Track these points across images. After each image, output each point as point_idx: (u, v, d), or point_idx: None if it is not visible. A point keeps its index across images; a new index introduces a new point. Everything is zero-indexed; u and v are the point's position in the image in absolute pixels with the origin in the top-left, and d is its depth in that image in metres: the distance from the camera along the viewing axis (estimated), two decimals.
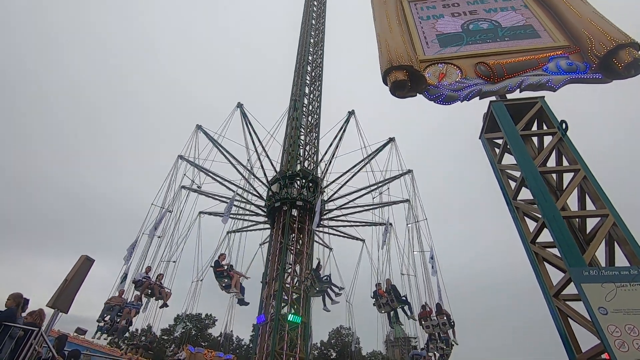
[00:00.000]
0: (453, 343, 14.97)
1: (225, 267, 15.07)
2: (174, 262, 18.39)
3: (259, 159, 22.64)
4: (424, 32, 9.33)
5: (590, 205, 6.38)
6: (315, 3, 30.48)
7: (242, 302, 16.07)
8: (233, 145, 23.04)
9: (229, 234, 23.66)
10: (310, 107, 25.77)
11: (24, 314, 6.09)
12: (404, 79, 7.88)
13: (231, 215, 21.86)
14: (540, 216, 6.21)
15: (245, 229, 24.43)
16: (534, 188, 6.32)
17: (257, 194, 22.83)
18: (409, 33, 9.26)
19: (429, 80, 7.97)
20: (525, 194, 6.94)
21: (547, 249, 6.15)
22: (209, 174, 22.07)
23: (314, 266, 16.26)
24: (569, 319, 5.38)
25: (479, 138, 8.10)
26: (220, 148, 22.35)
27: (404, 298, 15.08)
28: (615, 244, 5.76)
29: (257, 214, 23.38)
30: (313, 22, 29.55)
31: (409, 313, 14.94)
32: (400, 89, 7.99)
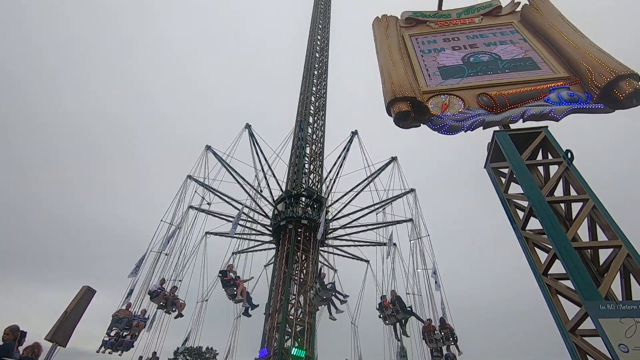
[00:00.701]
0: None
1: (233, 277, 15.55)
2: (180, 281, 18.70)
3: (265, 178, 22.81)
4: (426, 65, 9.59)
5: (601, 235, 6.26)
6: (319, 37, 31.65)
7: (247, 311, 16.34)
8: (239, 164, 23.56)
9: (234, 255, 23.54)
10: (314, 137, 26.13)
11: (21, 348, 5.91)
12: (408, 110, 8.01)
13: (237, 236, 21.97)
14: (551, 247, 6.08)
15: (251, 249, 24.31)
16: (543, 218, 6.23)
17: (263, 213, 22.88)
18: (411, 65, 9.52)
19: (432, 111, 8.09)
20: (533, 223, 6.84)
21: (560, 281, 5.97)
22: (217, 193, 22.25)
23: (319, 274, 15.99)
24: (588, 356, 5.13)
25: (484, 167, 8.10)
26: (228, 168, 22.71)
27: (409, 309, 15.03)
28: (631, 275, 5.59)
29: (263, 233, 23.32)
30: (317, 55, 30.56)
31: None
32: (403, 120, 8.10)
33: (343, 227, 22.88)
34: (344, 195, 22.92)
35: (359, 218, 22.70)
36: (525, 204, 6.97)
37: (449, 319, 15.67)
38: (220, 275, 15.80)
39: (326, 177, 23.79)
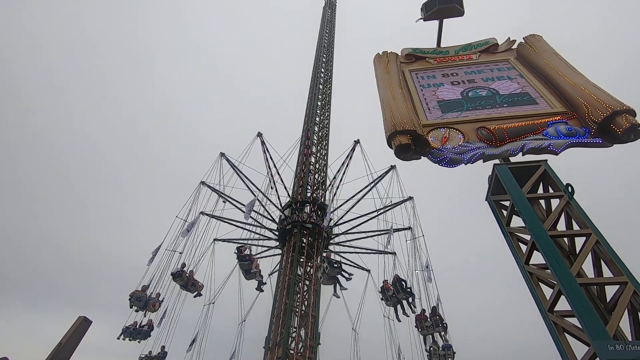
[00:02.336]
0: (454, 351, 16.26)
1: (248, 253, 18.18)
2: (213, 304, 21.18)
3: (275, 186, 23.60)
4: (426, 99, 9.85)
5: (607, 271, 6.16)
6: (323, 70, 32.70)
7: (260, 286, 19.23)
8: (247, 171, 24.64)
9: (270, 276, 23.96)
10: (317, 165, 26.39)
11: None
12: (408, 143, 8.14)
13: (244, 242, 22.80)
14: (555, 282, 5.98)
15: (258, 256, 24.12)
16: (546, 252, 6.17)
17: (270, 218, 23.56)
18: (412, 99, 9.77)
19: (433, 144, 8.22)
20: (537, 257, 6.77)
21: (566, 319, 5.82)
22: (229, 199, 23.24)
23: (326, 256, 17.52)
24: None
25: (485, 199, 8.12)
26: (240, 175, 23.81)
27: (408, 289, 16.01)
28: (639, 314, 5.45)
29: (270, 238, 23.90)
30: (320, 86, 31.46)
31: (411, 307, 16.08)
32: (404, 152, 8.22)
33: (345, 232, 23.53)
34: (345, 202, 23.73)
35: (361, 224, 23.38)
36: (527, 237, 6.92)
37: (441, 310, 17.19)
38: (237, 252, 18.14)
39: (329, 185, 24.55)
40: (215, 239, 23.74)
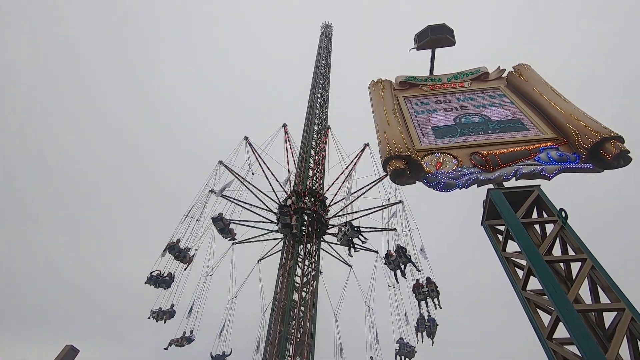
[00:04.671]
0: (437, 323, 20.38)
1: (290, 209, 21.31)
2: (210, 276, 22.82)
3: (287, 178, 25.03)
4: (420, 125, 10.05)
5: (604, 297, 6.13)
6: (319, 96, 33.40)
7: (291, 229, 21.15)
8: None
9: (259, 262, 25.52)
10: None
11: None
12: (403, 168, 8.26)
13: (254, 240, 24.97)
14: (552, 309, 5.93)
15: (260, 238, 25.96)
16: (542, 278, 6.14)
17: (277, 201, 24.55)
18: (406, 125, 9.97)
19: (427, 168, 8.34)
20: (533, 283, 6.73)
21: (566, 346, 5.73)
22: (245, 181, 24.81)
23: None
24: None
25: (481, 224, 8.15)
26: (259, 160, 25.56)
27: (408, 256, 19.33)
28: (638, 341, 5.38)
29: (272, 222, 24.91)
30: (317, 112, 32.05)
31: (416, 267, 20.05)
32: (399, 177, 8.32)
33: (339, 225, 24.70)
34: (341, 199, 25.54)
35: (357, 219, 24.60)
36: (523, 262, 6.91)
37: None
38: (279, 206, 21.82)
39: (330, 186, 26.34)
40: (233, 243, 25.00)
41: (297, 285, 21.08)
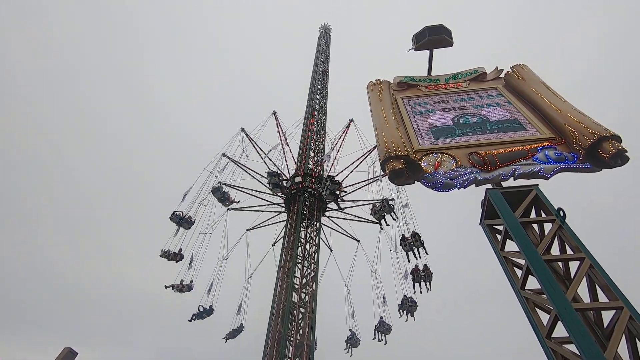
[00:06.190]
0: (417, 305, 22.85)
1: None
2: (225, 259, 25.59)
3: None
4: (418, 125, 10.06)
5: (602, 296, 6.14)
6: (318, 97, 33.44)
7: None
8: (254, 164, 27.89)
9: (274, 246, 26.80)
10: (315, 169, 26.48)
11: None
12: (402, 168, 8.26)
13: (253, 208, 26.55)
14: (551, 308, 5.93)
15: (266, 223, 27.42)
16: (541, 277, 6.15)
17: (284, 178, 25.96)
18: (404, 126, 9.98)
19: (426, 168, 8.35)
20: (532, 282, 6.73)
21: (564, 346, 5.74)
22: (246, 168, 26.58)
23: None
24: None
25: (479, 224, 8.16)
26: (256, 148, 27.64)
27: (422, 241, 22.04)
28: (637, 340, 5.39)
29: (275, 204, 26.61)
30: (316, 112, 32.04)
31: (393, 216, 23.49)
32: (398, 177, 8.33)
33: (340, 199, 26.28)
34: (338, 174, 26.56)
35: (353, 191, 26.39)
36: (522, 261, 6.92)
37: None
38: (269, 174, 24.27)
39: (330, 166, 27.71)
40: (247, 229, 27.26)
41: (297, 286, 21.09)
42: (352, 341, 24.24)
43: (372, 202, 25.46)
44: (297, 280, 21.54)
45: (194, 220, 23.86)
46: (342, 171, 26.74)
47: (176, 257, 23.33)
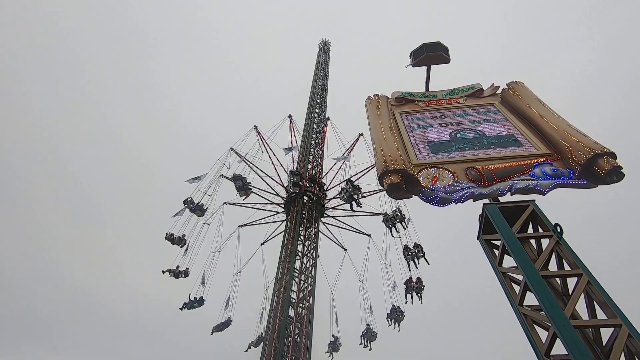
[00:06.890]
0: (404, 315, 24.12)
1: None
2: (218, 252, 26.27)
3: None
4: (416, 140, 10.15)
5: (601, 313, 6.10)
6: (317, 110, 33.76)
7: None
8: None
9: (263, 245, 27.68)
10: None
11: None
12: (399, 182, 8.30)
13: (251, 205, 27.00)
14: (549, 324, 5.88)
15: (265, 220, 27.95)
16: (539, 293, 6.12)
17: (281, 183, 27.11)
18: (402, 140, 10.07)
19: (423, 183, 8.38)
20: (530, 298, 6.69)
21: None
22: (252, 165, 27.24)
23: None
24: None
25: (477, 239, 8.15)
26: (266, 148, 28.48)
27: (423, 252, 22.34)
28: (636, 358, 5.33)
29: (274, 203, 27.34)
30: (314, 126, 32.32)
31: (403, 225, 23.05)
32: (396, 191, 8.36)
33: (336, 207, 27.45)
34: (338, 183, 27.37)
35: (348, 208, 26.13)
36: (520, 277, 6.88)
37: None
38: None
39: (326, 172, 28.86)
40: (239, 225, 27.85)
41: (293, 300, 20.85)
42: (334, 345, 25.45)
43: (379, 214, 25.77)
44: (293, 295, 21.32)
45: (207, 208, 24.65)
46: (350, 178, 26.93)
47: (180, 241, 23.97)
